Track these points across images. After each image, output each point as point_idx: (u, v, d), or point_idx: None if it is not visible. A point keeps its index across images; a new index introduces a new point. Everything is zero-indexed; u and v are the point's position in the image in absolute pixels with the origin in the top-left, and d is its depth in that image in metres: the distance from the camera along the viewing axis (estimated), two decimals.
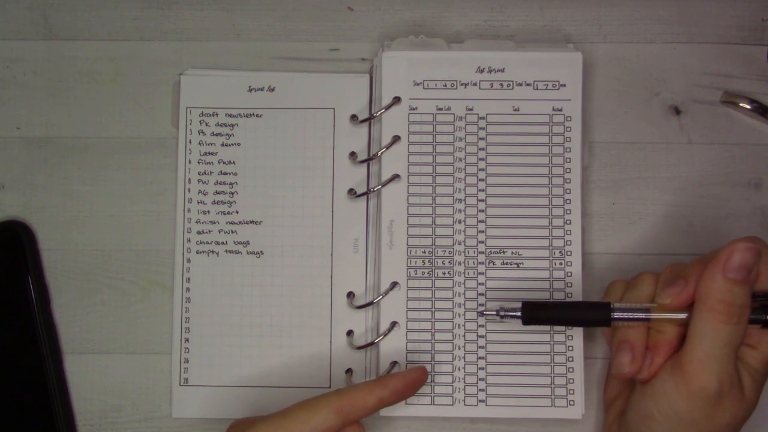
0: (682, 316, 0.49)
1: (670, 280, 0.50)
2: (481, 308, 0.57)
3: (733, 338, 0.47)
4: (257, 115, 0.60)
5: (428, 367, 0.57)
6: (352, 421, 0.50)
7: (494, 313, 0.54)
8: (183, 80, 0.60)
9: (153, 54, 0.61)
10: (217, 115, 0.60)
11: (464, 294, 0.58)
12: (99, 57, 0.61)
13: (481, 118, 0.59)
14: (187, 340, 0.58)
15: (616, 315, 0.51)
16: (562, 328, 0.57)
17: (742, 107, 0.59)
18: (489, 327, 0.57)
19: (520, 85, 0.59)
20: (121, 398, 0.59)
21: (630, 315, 0.51)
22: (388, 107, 0.59)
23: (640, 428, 0.50)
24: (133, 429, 0.59)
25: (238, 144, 0.60)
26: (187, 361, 0.58)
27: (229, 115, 0.60)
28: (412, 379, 0.52)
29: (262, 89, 0.60)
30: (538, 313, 0.53)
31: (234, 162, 0.59)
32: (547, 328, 0.57)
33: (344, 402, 0.50)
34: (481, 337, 0.57)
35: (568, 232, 0.58)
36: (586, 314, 0.53)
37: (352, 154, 0.59)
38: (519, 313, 0.53)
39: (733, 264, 0.47)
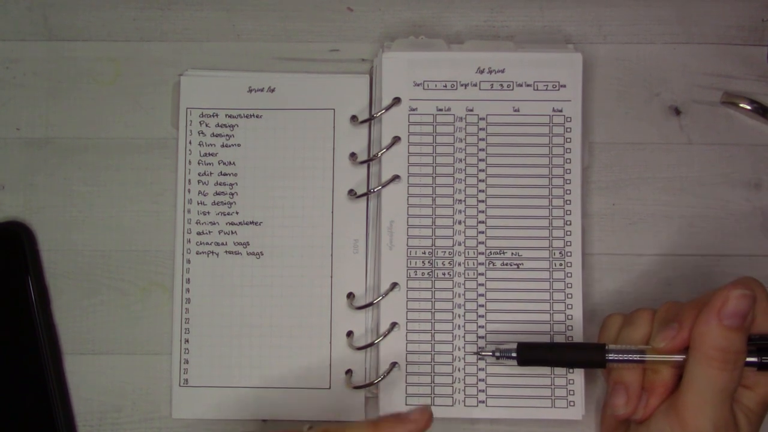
0: (678, 358, 0.49)
1: (666, 321, 0.50)
2: (479, 349, 0.57)
3: (728, 384, 0.47)
4: (257, 116, 0.60)
5: (428, 368, 0.57)
6: None
7: (491, 354, 0.54)
8: (183, 81, 0.60)
9: (153, 54, 0.61)
10: (217, 115, 0.60)
11: (464, 294, 0.58)
12: (99, 57, 0.61)
13: (481, 118, 0.59)
14: (187, 340, 0.58)
15: (611, 357, 0.51)
16: (562, 318, 0.57)
17: (742, 107, 0.59)
18: (489, 327, 0.57)
19: (520, 85, 0.59)
20: (121, 399, 0.59)
21: (625, 357, 0.51)
22: (388, 108, 0.59)
23: None
24: (133, 429, 0.59)
25: (238, 145, 0.60)
26: (186, 361, 0.58)
27: (229, 116, 0.60)
28: (409, 429, 0.50)
29: (262, 90, 0.60)
30: (534, 354, 0.54)
31: (234, 163, 0.59)
32: (547, 320, 0.57)
33: None
34: (481, 338, 0.57)
35: (568, 233, 0.58)
36: (581, 356, 0.53)
37: (352, 155, 0.59)
38: (515, 355, 0.54)
39: (728, 311, 0.47)
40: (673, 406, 0.48)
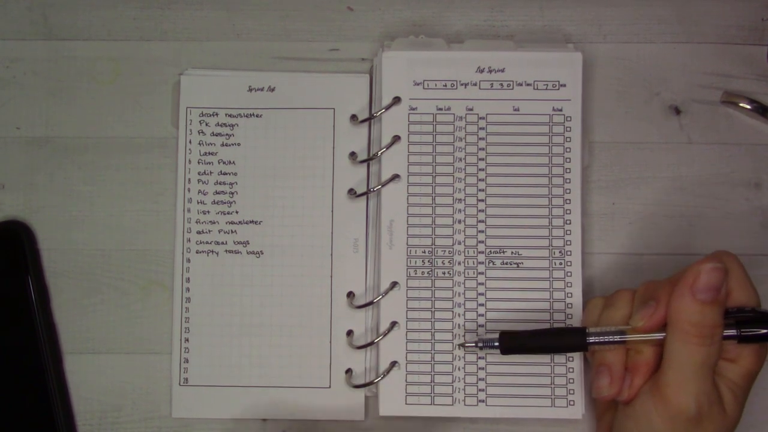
0: (658, 336, 0.50)
1: (645, 300, 0.51)
2: (460, 340, 0.57)
3: (707, 359, 0.47)
4: (257, 115, 0.60)
5: (428, 367, 0.57)
6: None
7: (473, 344, 0.55)
8: (183, 80, 0.60)
9: (153, 54, 0.61)
10: (217, 115, 0.60)
11: (464, 294, 0.58)
12: (99, 57, 0.61)
13: (481, 118, 0.59)
14: (186, 339, 0.58)
15: (592, 339, 0.51)
16: (562, 317, 0.57)
17: (742, 107, 0.59)
18: (489, 327, 0.57)
19: (520, 85, 0.59)
20: (121, 398, 0.59)
21: (606, 339, 0.51)
22: (388, 107, 0.59)
23: None
24: (133, 429, 0.59)
25: (238, 144, 0.60)
26: (186, 361, 0.58)
27: (229, 115, 0.60)
28: None
29: (262, 89, 0.60)
30: (515, 342, 0.54)
31: (234, 162, 0.59)
32: (546, 319, 0.57)
33: None
34: (477, 334, 0.57)
35: (568, 232, 0.58)
36: (562, 341, 0.53)
37: (352, 154, 0.59)
38: (497, 344, 0.54)
39: (700, 285, 0.47)
40: (656, 385, 0.48)
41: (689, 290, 0.47)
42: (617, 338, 0.51)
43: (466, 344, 0.55)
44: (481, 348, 0.54)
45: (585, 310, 0.55)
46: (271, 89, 0.60)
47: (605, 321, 0.52)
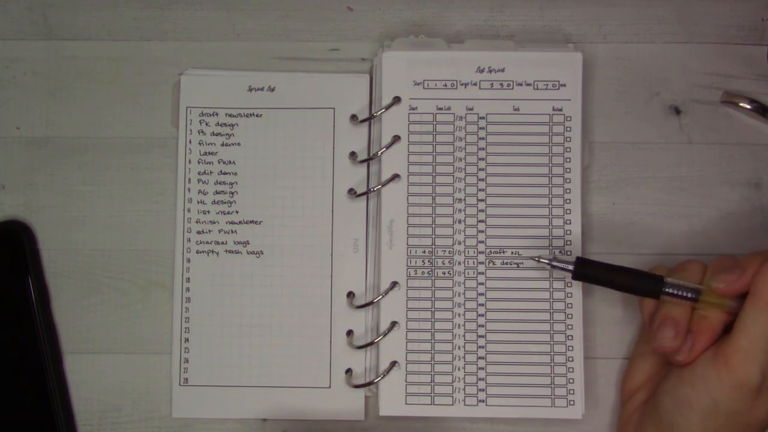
0: (735, 304, 0.49)
1: (724, 268, 0.50)
2: (537, 256, 0.55)
3: None
4: (257, 115, 0.60)
5: (428, 367, 0.57)
6: None
7: (547, 261, 0.54)
8: (183, 80, 0.60)
9: (153, 54, 0.61)
10: (217, 114, 0.60)
11: (464, 294, 0.58)
12: (99, 57, 0.61)
13: (481, 117, 0.59)
14: (186, 339, 0.58)
15: (668, 290, 0.51)
16: (562, 317, 0.57)
17: (742, 107, 0.59)
18: (489, 327, 0.57)
19: (520, 85, 0.59)
20: (120, 398, 0.59)
21: (681, 293, 0.51)
22: (388, 107, 0.59)
23: (673, 415, 0.50)
24: (133, 429, 0.59)
25: (238, 144, 0.60)
26: (186, 361, 0.58)
27: (229, 115, 0.60)
28: None
29: (262, 89, 0.60)
30: (590, 270, 0.53)
31: (234, 162, 0.59)
32: (547, 319, 0.57)
33: None
34: (481, 337, 0.57)
35: (568, 232, 0.58)
36: (637, 282, 0.52)
37: (352, 154, 0.59)
38: (571, 267, 0.53)
39: None
40: (722, 353, 0.48)
41: None
42: (692, 295, 0.50)
43: (540, 259, 0.54)
44: (553, 267, 0.54)
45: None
46: (271, 89, 0.60)
47: None
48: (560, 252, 0.58)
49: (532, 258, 0.56)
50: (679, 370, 0.51)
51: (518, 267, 0.58)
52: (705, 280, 0.51)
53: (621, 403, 0.56)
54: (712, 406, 0.48)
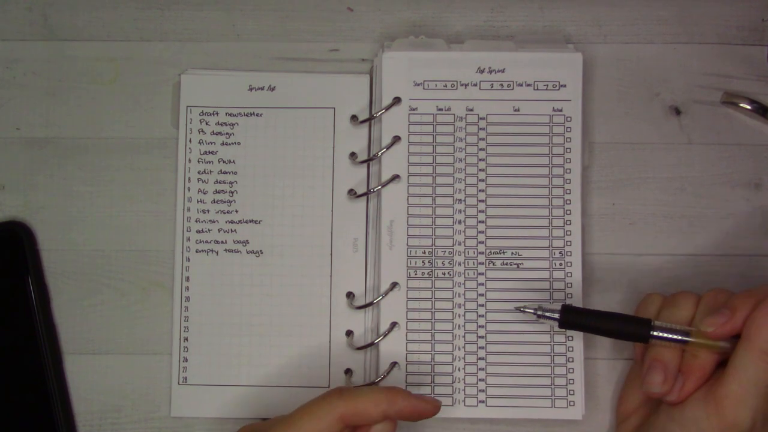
0: (726, 346, 0.49)
1: (714, 307, 0.50)
2: (519, 305, 0.55)
3: None
4: (257, 115, 0.60)
5: (428, 368, 0.57)
6: (356, 427, 0.50)
7: (532, 311, 0.53)
8: (183, 79, 0.60)
9: (153, 54, 0.61)
10: (217, 114, 0.60)
11: (464, 294, 0.58)
12: (99, 57, 0.61)
13: (481, 118, 0.59)
14: (186, 339, 0.58)
15: (656, 333, 0.51)
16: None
17: (742, 107, 0.59)
18: (489, 327, 0.57)
19: (521, 85, 0.59)
20: (120, 399, 0.59)
21: (670, 336, 0.50)
22: (388, 107, 0.59)
23: None
24: (133, 429, 0.58)
25: (239, 143, 0.60)
26: (185, 360, 0.58)
27: (230, 114, 0.60)
28: (420, 409, 0.51)
29: (262, 88, 0.60)
30: (576, 318, 0.53)
31: (234, 161, 0.59)
32: (547, 327, 0.57)
33: (350, 410, 0.49)
34: (481, 337, 0.57)
35: (568, 233, 0.58)
36: (625, 327, 0.52)
37: (352, 155, 0.59)
38: (557, 316, 0.53)
39: None
40: (712, 394, 0.48)
41: None
42: (682, 338, 0.50)
43: (525, 310, 0.54)
44: (538, 316, 0.53)
45: (640, 304, 0.54)
46: (272, 88, 0.60)
47: (665, 319, 0.51)
48: (560, 252, 0.57)
49: (516, 309, 0.55)
50: (669, 408, 0.51)
51: (518, 267, 0.58)
52: (695, 321, 0.51)
53: (616, 425, 0.56)
54: None
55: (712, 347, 0.49)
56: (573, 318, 0.53)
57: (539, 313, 0.53)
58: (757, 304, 0.48)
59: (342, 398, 0.49)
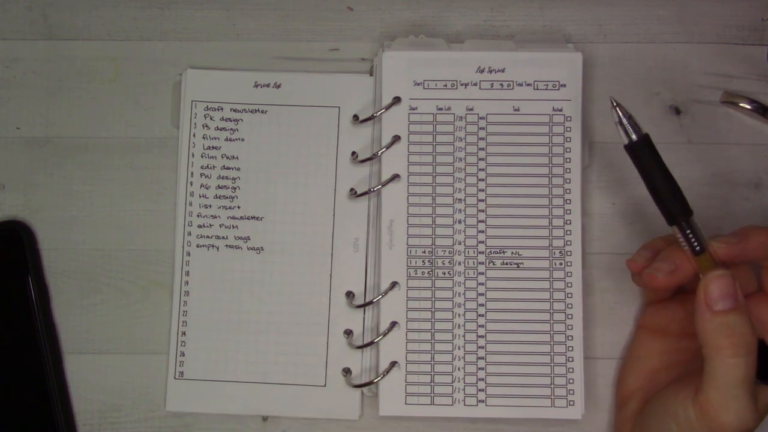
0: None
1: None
2: (613, 96, 0.51)
3: (746, 371, 0.47)
4: (262, 111, 0.60)
5: (428, 367, 0.57)
6: None
7: (620, 114, 0.50)
8: (189, 74, 0.60)
9: (153, 54, 0.61)
10: (222, 109, 0.60)
11: (464, 294, 0.58)
12: (99, 56, 0.61)
13: (481, 118, 0.59)
14: (183, 333, 0.58)
15: (684, 226, 0.50)
16: (562, 317, 0.57)
17: (742, 107, 0.59)
18: (489, 327, 0.57)
19: (520, 85, 0.59)
20: (120, 398, 0.59)
21: (691, 236, 0.50)
22: (388, 107, 0.59)
23: None
24: (133, 429, 0.58)
25: (242, 139, 0.60)
26: (182, 354, 0.58)
27: (234, 110, 0.60)
28: None
29: (268, 85, 0.60)
30: (646, 151, 0.50)
31: (237, 157, 0.59)
32: (547, 319, 0.57)
33: None
34: (481, 337, 0.57)
35: (568, 232, 0.58)
36: (671, 195, 0.51)
37: (353, 154, 0.59)
38: (634, 136, 0.50)
39: (713, 297, 0.47)
40: (698, 401, 0.48)
41: (705, 307, 0.47)
42: (699, 247, 0.50)
43: (616, 105, 0.50)
44: (619, 122, 0.50)
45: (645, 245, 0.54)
46: (277, 86, 0.60)
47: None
48: (560, 252, 0.57)
49: (611, 98, 0.51)
50: (662, 399, 0.51)
51: (518, 267, 0.58)
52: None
53: (616, 408, 0.56)
54: None
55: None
56: (645, 150, 0.50)
57: (624, 120, 0.50)
58: (698, 307, 0.48)
59: None
